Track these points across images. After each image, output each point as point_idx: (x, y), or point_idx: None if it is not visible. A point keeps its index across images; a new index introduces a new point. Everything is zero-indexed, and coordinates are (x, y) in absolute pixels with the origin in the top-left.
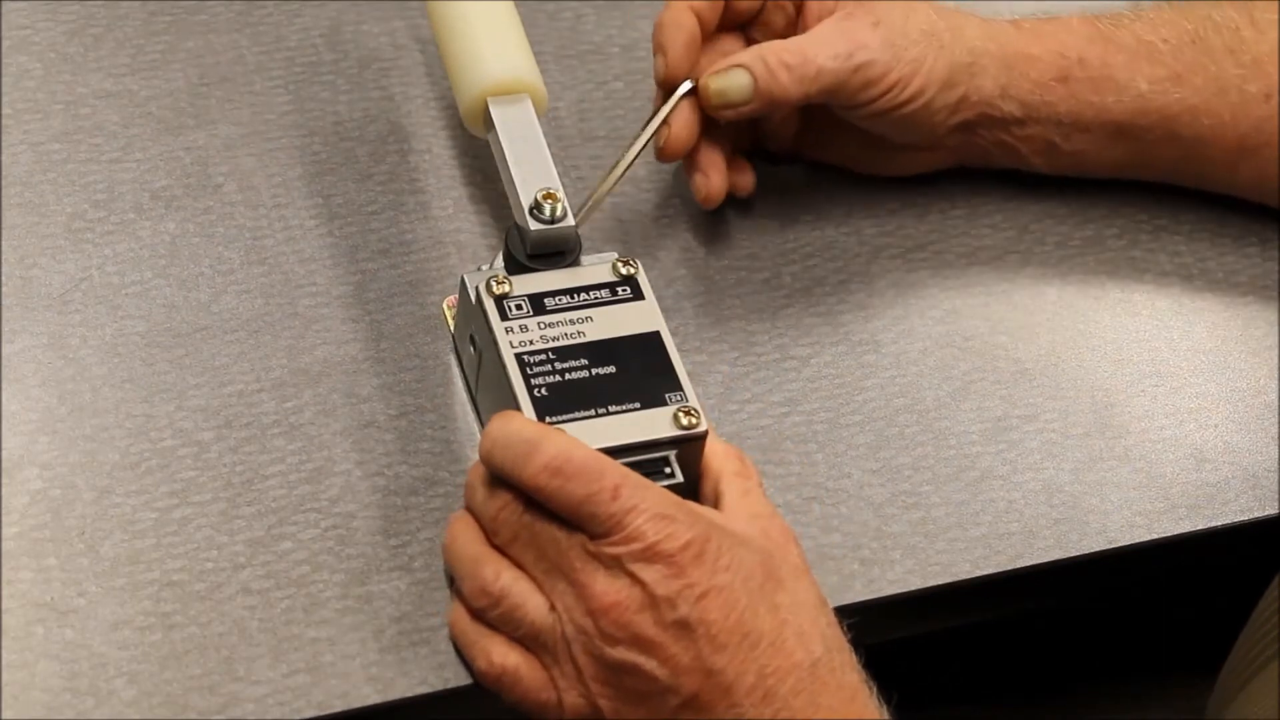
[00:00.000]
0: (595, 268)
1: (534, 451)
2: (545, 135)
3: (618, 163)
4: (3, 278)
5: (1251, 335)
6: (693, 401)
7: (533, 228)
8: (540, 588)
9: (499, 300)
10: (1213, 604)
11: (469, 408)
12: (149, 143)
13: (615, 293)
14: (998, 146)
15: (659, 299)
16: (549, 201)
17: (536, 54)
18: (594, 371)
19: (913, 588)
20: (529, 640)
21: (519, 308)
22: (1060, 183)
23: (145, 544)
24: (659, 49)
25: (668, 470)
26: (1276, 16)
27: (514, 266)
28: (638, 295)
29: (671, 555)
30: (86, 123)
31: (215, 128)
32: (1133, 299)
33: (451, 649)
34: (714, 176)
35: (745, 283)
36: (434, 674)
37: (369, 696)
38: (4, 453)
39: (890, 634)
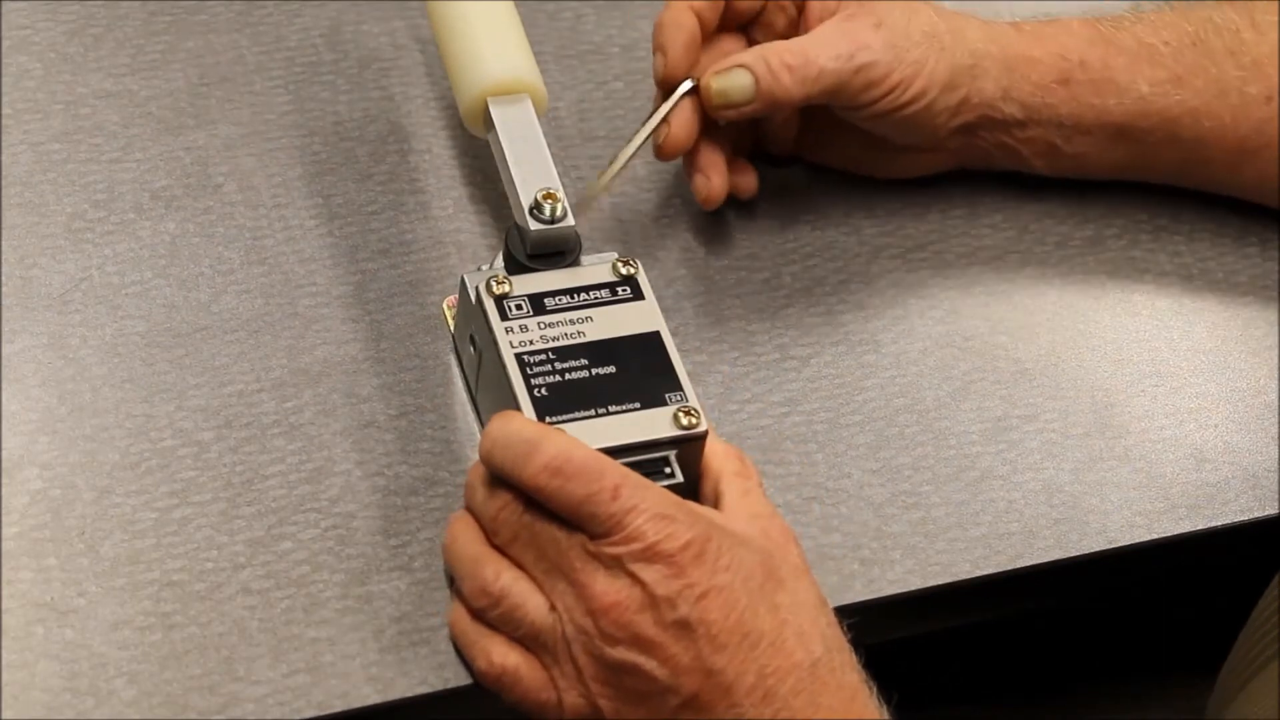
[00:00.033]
0: (595, 268)
1: (534, 451)
2: (545, 135)
3: (615, 159)
4: (3, 278)
5: (1251, 335)
6: (693, 401)
7: (533, 228)
8: (540, 588)
9: (499, 300)
10: (1213, 604)
11: (469, 408)
12: (149, 143)
13: (615, 293)
14: (999, 148)
15: (659, 299)
16: (549, 201)
17: (536, 54)
18: (594, 371)
19: (913, 588)
20: (529, 640)
21: (519, 308)
22: (1060, 183)
23: (145, 544)
24: (659, 48)
25: (668, 470)
26: (1277, 18)
27: (514, 266)
28: (638, 295)
29: (671, 555)
30: (86, 123)
31: (215, 128)
32: (1133, 299)
33: (451, 649)
34: (715, 178)
35: (745, 283)
36: (434, 674)
37: (369, 696)
38: (4, 453)
39: (890, 634)
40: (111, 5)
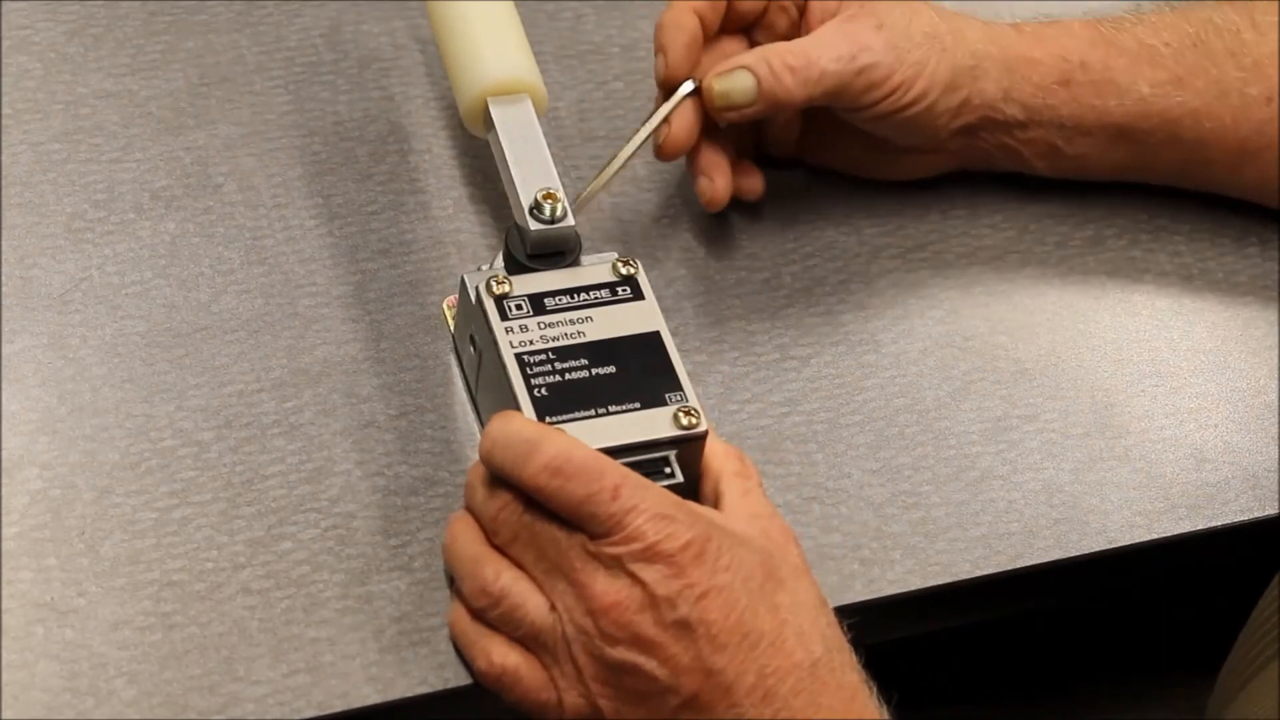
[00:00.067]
0: (595, 268)
1: (534, 451)
2: (545, 135)
3: (614, 157)
4: (3, 278)
5: (1251, 335)
6: (693, 401)
7: (533, 228)
8: (540, 588)
9: (499, 300)
10: (1213, 604)
11: (469, 408)
12: (149, 143)
13: (615, 293)
14: (1000, 149)
15: (659, 299)
16: (549, 201)
17: (536, 54)
18: (594, 371)
19: (913, 588)
20: (529, 640)
21: (519, 308)
22: (1060, 183)
23: (145, 544)
24: (660, 50)
25: (668, 470)
26: (1277, 19)
27: (514, 266)
28: (638, 295)
29: (672, 555)
30: (86, 123)
31: (215, 128)
32: (1133, 299)
33: (451, 649)
34: (719, 180)
35: (745, 283)
36: (434, 674)
37: (369, 696)
38: (4, 453)
39: (890, 634)
40: (111, 5)
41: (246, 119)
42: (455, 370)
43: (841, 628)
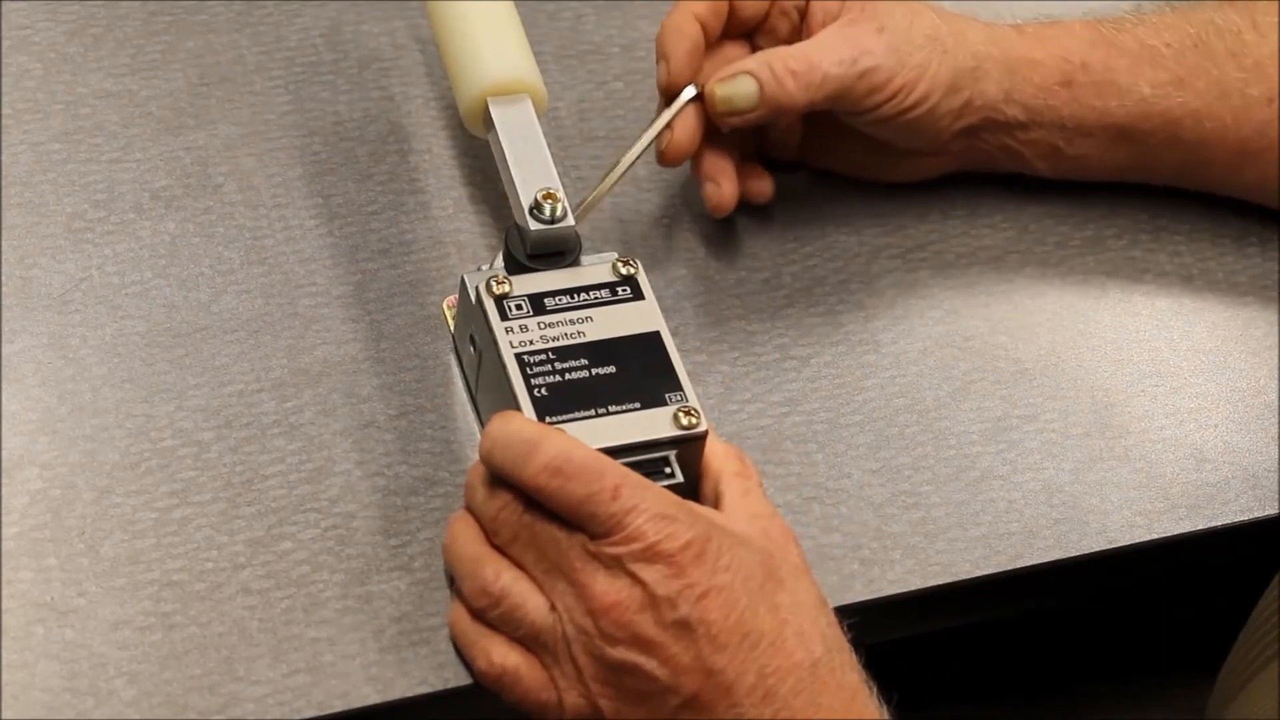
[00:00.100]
0: (595, 268)
1: (534, 451)
2: (545, 135)
3: (616, 164)
4: (3, 278)
5: (1251, 335)
6: (693, 401)
7: (533, 228)
8: (540, 588)
9: (499, 300)
10: (1213, 604)
11: (469, 408)
12: (149, 143)
13: (615, 293)
14: (1001, 151)
15: (659, 299)
16: (549, 201)
17: (536, 54)
18: (594, 371)
19: (913, 588)
20: (529, 640)
21: (519, 308)
22: (1061, 184)
23: (145, 544)
24: (662, 56)
25: (668, 470)
26: (1278, 19)
27: (514, 266)
28: (638, 295)
29: (672, 555)
30: (86, 123)
31: (215, 128)
32: (1133, 299)
33: (451, 649)
34: (725, 185)
35: (745, 283)
36: (434, 674)
37: (369, 696)
38: (4, 453)
39: (890, 634)
40: (111, 5)
41: (246, 119)
42: (455, 370)
43: (841, 628)
